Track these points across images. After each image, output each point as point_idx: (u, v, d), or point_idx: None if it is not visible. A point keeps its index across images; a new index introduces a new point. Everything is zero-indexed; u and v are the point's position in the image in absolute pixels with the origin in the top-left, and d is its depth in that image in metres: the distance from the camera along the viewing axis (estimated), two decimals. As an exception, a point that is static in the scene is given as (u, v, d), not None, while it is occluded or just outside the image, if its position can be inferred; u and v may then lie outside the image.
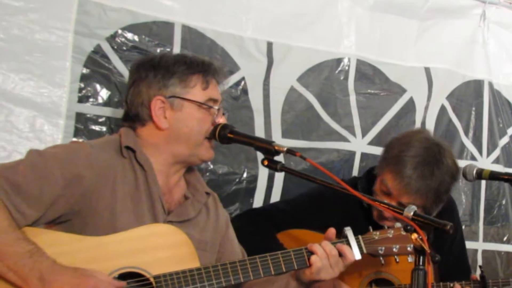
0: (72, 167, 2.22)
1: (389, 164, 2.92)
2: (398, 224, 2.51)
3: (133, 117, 2.46)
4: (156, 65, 2.47)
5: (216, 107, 2.46)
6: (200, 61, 2.50)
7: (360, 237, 2.46)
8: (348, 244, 2.44)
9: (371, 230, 2.49)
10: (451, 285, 2.92)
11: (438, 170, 2.86)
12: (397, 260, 2.51)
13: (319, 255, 2.38)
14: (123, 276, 2.18)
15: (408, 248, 2.44)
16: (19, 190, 2.12)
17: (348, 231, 2.45)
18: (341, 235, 2.47)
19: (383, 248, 2.46)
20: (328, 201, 2.97)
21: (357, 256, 2.43)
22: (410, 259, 2.44)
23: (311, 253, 2.41)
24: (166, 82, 2.43)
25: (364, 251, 2.46)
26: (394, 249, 2.46)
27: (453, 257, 3.20)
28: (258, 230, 2.98)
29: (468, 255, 3.55)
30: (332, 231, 2.48)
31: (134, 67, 2.56)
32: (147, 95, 2.43)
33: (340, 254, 2.41)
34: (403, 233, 2.45)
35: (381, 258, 2.49)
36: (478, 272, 3.06)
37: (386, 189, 2.91)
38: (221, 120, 2.47)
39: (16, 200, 2.11)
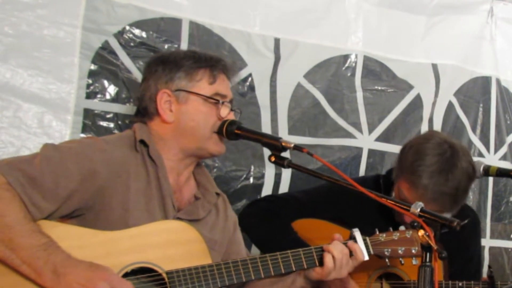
0: (87, 163, 2.23)
1: (405, 173, 2.91)
2: (402, 227, 2.52)
3: (142, 112, 2.48)
4: (165, 60, 2.49)
5: (223, 102, 2.45)
6: (209, 56, 2.50)
7: (367, 238, 2.48)
8: None
9: (377, 232, 2.51)
10: (460, 284, 2.92)
11: (453, 175, 2.84)
12: (402, 262, 2.53)
13: (335, 255, 2.39)
14: (135, 272, 2.18)
15: (413, 251, 2.46)
16: (35, 183, 2.12)
17: (356, 232, 2.47)
18: (349, 236, 2.49)
19: (389, 249, 2.48)
20: (343, 194, 2.96)
21: (365, 257, 2.45)
22: (415, 261, 2.46)
23: (320, 252, 2.42)
24: (173, 75, 2.44)
25: (371, 252, 2.48)
26: (400, 251, 2.48)
27: (469, 273, 3.19)
28: (273, 217, 2.99)
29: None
30: (337, 236, 2.49)
31: (146, 64, 2.59)
32: (155, 89, 2.44)
33: (351, 254, 2.43)
34: (408, 235, 2.47)
35: (386, 260, 2.51)
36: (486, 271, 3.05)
37: (403, 197, 2.91)
38: (229, 116, 2.46)
39: (32, 193, 2.11)
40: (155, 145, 2.41)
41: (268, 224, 2.94)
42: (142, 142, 2.39)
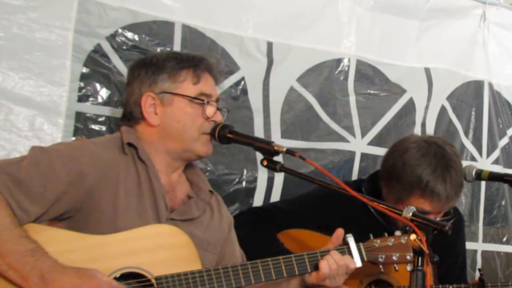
0: (76, 164, 2.22)
1: (414, 189, 2.86)
2: (397, 233, 2.51)
3: (128, 116, 2.47)
4: (148, 63, 2.48)
5: (208, 101, 2.43)
6: (191, 56, 2.50)
7: (361, 244, 2.47)
8: (349, 250, 2.46)
9: (372, 238, 2.50)
10: (450, 287, 2.92)
11: (454, 162, 2.88)
12: (397, 268, 2.52)
13: (329, 263, 2.38)
14: (124, 276, 2.17)
15: (408, 257, 2.45)
16: (22, 186, 2.11)
17: (350, 238, 2.46)
18: (342, 242, 2.48)
19: (383, 256, 2.47)
20: (329, 201, 2.96)
21: (358, 263, 2.45)
22: (409, 267, 2.45)
23: (312, 259, 2.41)
24: (156, 78, 2.43)
25: (365, 258, 2.47)
26: (394, 257, 2.47)
27: (455, 274, 3.19)
28: (259, 229, 2.97)
29: (467, 257, 3.55)
30: (340, 231, 2.48)
31: (129, 68, 2.59)
32: (139, 93, 2.44)
33: None
34: (403, 241, 2.46)
35: (380, 266, 2.50)
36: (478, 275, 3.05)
37: (422, 211, 2.82)
38: (216, 116, 2.45)
39: (19, 196, 2.09)
40: (143, 147, 2.40)
41: (253, 237, 2.91)
42: (130, 145, 2.38)
